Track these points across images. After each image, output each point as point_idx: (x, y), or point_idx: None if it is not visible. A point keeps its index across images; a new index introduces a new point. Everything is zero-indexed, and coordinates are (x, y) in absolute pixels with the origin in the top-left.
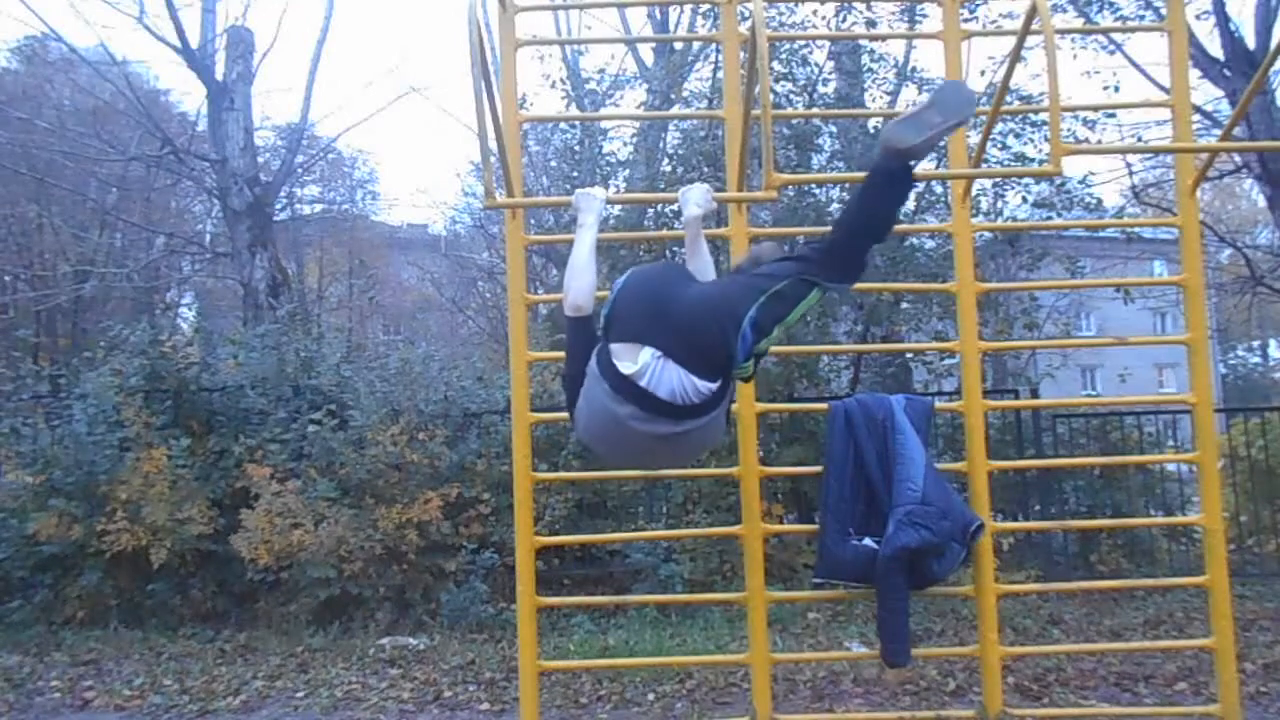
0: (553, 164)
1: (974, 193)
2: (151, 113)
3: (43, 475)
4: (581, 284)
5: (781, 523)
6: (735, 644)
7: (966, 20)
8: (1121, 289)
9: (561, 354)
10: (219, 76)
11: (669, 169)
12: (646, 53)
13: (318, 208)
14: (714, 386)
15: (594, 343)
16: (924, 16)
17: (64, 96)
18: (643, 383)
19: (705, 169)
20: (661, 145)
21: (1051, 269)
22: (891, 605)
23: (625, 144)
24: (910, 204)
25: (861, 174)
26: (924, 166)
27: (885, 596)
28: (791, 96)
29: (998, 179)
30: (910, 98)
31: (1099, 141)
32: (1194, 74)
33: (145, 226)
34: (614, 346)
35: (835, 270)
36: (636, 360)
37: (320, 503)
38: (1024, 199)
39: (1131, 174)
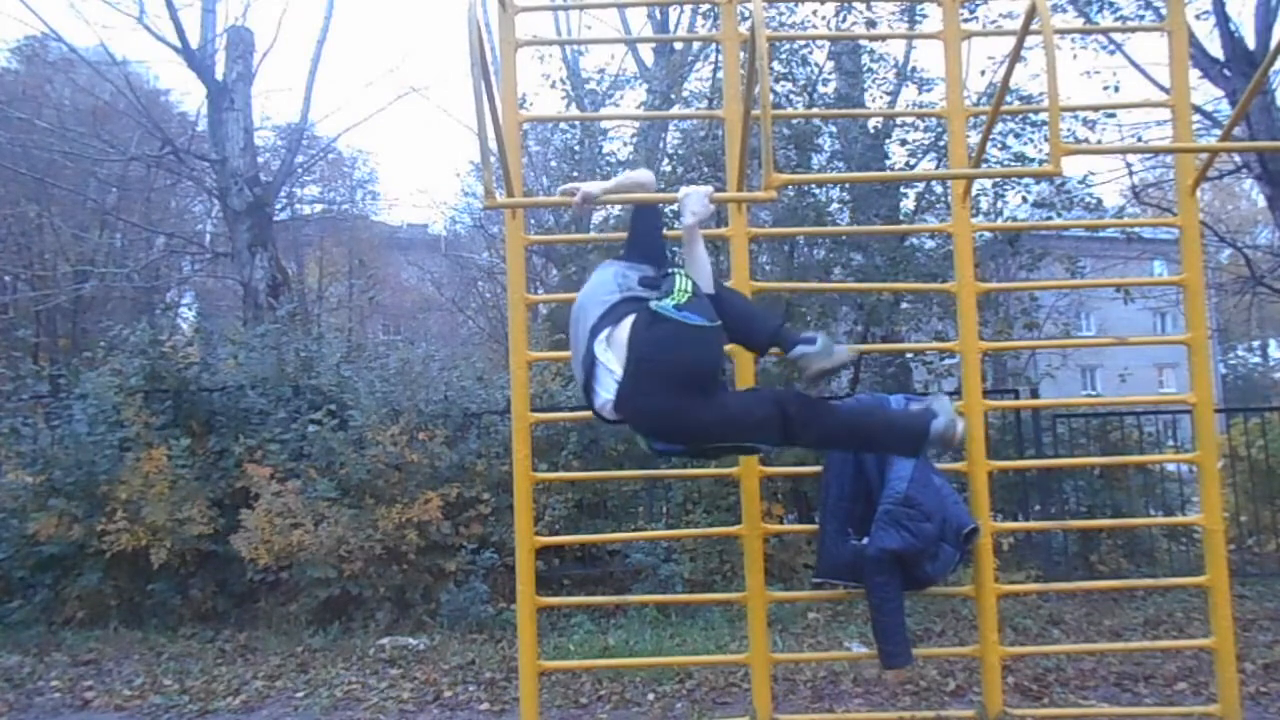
0: (553, 164)
1: (974, 193)
2: (151, 113)
3: (43, 475)
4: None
5: (781, 523)
6: (735, 644)
7: (966, 20)
8: (1121, 289)
9: (562, 354)
10: (219, 76)
11: (669, 169)
12: (646, 53)
13: (318, 208)
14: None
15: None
16: (924, 16)
17: (64, 96)
18: (596, 370)
19: (705, 169)
20: (661, 145)
21: (1051, 269)
22: (880, 605)
23: (625, 144)
24: (910, 204)
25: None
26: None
27: (873, 596)
28: (791, 96)
29: (998, 179)
30: (909, 97)
31: (1099, 141)
32: (1194, 74)
33: (145, 226)
34: (614, 333)
35: None
36: (611, 363)
37: (320, 503)
38: (1024, 199)
39: (1131, 174)
